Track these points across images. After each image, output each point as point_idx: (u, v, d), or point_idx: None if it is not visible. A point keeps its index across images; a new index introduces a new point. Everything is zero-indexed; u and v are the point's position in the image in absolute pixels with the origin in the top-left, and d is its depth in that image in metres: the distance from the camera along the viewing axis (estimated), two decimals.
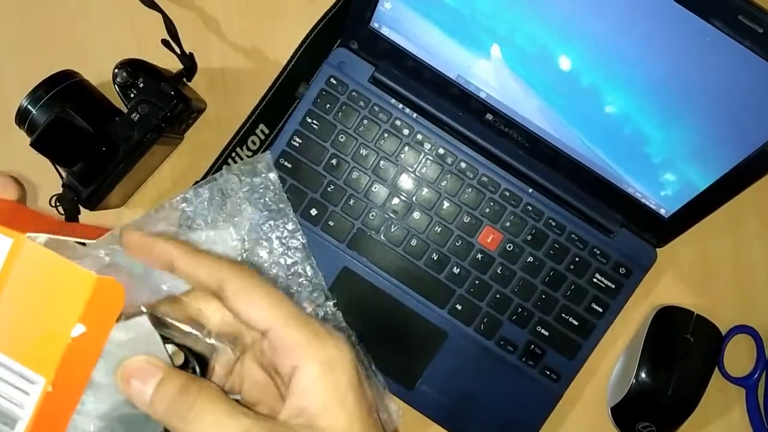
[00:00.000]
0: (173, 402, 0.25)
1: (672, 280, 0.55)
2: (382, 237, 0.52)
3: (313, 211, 0.51)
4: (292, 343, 0.26)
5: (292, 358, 0.26)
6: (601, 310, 0.52)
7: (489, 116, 0.50)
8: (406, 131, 0.52)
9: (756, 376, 0.53)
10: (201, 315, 0.29)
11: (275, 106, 0.53)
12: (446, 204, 0.52)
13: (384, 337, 0.52)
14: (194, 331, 0.28)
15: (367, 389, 0.27)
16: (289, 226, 0.34)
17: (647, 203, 0.50)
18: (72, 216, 0.49)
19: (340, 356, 0.26)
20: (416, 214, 0.52)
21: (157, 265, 0.29)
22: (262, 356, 0.29)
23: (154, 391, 0.25)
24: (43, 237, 0.23)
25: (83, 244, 0.27)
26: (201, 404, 0.25)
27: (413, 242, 0.52)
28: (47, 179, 0.49)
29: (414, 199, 0.52)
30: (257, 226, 0.33)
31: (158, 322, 0.28)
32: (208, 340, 0.29)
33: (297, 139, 0.52)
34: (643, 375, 0.51)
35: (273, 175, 0.34)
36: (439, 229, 0.52)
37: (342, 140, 0.52)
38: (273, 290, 0.27)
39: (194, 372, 0.28)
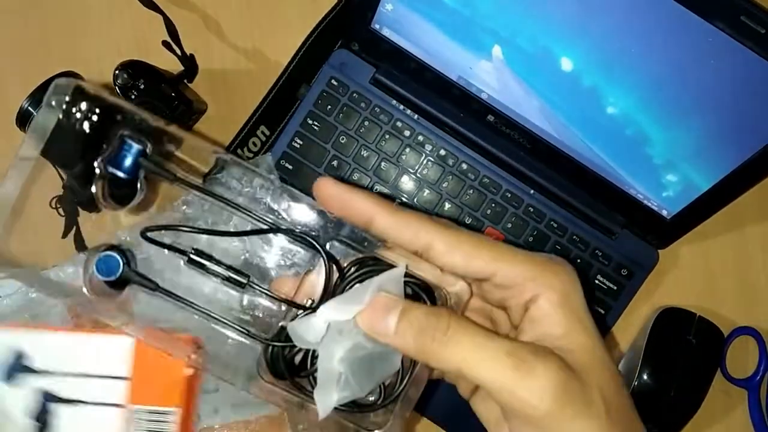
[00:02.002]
0: (425, 327, 0.25)
1: (674, 281, 0.55)
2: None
3: None
4: (523, 278, 0.27)
5: (526, 291, 0.27)
6: (602, 312, 0.52)
7: (490, 117, 0.50)
8: (407, 132, 0.52)
9: (758, 377, 0.53)
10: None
11: (276, 107, 0.53)
12: (447, 205, 0.52)
13: None
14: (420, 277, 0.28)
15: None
16: None
17: (649, 204, 0.50)
18: (71, 217, 0.49)
19: (571, 282, 0.27)
20: None
21: (354, 221, 0.28)
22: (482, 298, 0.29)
23: (399, 319, 0.25)
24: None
25: None
26: (456, 324, 0.25)
27: None
28: (48, 180, 0.48)
29: (415, 200, 0.52)
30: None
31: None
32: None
33: (298, 141, 0.51)
34: (645, 376, 0.51)
35: (274, 177, 0.34)
36: None
37: (343, 141, 0.52)
38: (479, 237, 0.27)
39: None
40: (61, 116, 0.27)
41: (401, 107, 0.52)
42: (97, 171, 0.28)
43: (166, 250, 0.28)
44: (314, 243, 0.28)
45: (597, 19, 0.40)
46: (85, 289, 0.28)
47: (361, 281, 0.27)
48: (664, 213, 0.50)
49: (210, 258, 0.28)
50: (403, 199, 0.52)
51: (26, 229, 0.56)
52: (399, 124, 0.52)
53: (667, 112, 0.44)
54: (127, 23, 0.54)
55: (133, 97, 0.48)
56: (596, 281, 0.52)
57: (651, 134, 0.45)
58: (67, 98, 0.27)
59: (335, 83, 0.51)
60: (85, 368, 0.37)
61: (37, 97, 0.46)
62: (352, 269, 0.28)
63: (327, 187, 0.27)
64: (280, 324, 0.28)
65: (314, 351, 0.28)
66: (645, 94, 0.43)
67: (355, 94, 0.52)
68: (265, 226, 0.28)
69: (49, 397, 0.37)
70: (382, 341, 0.26)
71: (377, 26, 0.49)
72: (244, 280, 0.28)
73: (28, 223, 0.54)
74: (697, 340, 0.52)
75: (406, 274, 0.27)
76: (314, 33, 0.53)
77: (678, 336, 0.52)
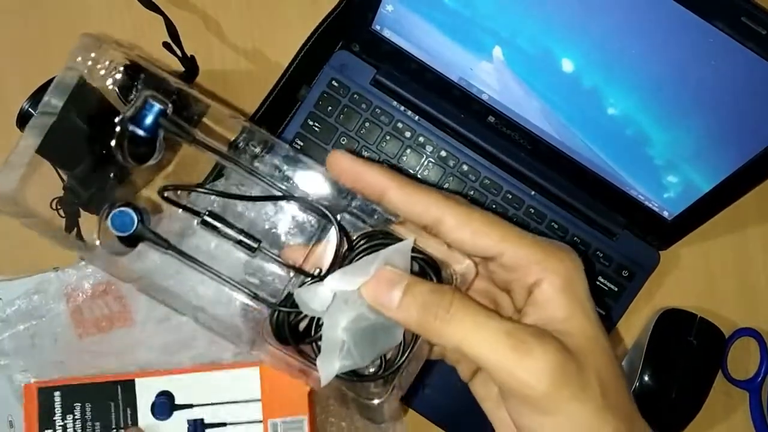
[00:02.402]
0: (428, 302, 0.26)
1: (675, 282, 0.55)
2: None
3: None
4: (528, 261, 0.27)
5: (531, 274, 0.27)
6: (603, 313, 0.52)
7: (491, 118, 0.50)
8: (408, 134, 0.52)
9: (759, 379, 0.53)
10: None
11: (277, 108, 0.53)
12: None
13: None
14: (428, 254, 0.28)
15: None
16: None
17: (650, 206, 0.50)
18: (72, 219, 0.48)
19: (576, 268, 0.27)
20: None
21: (366, 194, 0.28)
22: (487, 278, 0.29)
23: (404, 294, 0.26)
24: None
25: None
26: (458, 302, 0.26)
27: None
28: (48, 181, 0.48)
29: None
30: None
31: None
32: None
33: (298, 142, 0.51)
34: (646, 378, 0.51)
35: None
36: None
37: (344, 143, 0.52)
38: (490, 216, 0.27)
39: None
40: (85, 72, 0.28)
41: (402, 108, 0.52)
42: (118, 129, 0.29)
43: (180, 210, 0.29)
44: (326, 212, 0.29)
45: (598, 19, 0.40)
46: (97, 242, 0.29)
47: (369, 254, 0.28)
48: (665, 214, 0.50)
49: (223, 221, 0.29)
50: None
51: (27, 230, 0.55)
52: (400, 125, 0.52)
53: (667, 113, 0.44)
54: (127, 24, 0.54)
55: (132, 98, 0.48)
56: (597, 282, 0.52)
57: (652, 135, 0.45)
58: (92, 55, 0.28)
59: (336, 84, 0.51)
60: (223, 397, 0.43)
61: (37, 98, 0.46)
62: (362, 241, 0.29)
63: (341, 161, 0.28)
64: (287, 290, 0.29)
65: (319, 319, 0.28)
66: (646, 94, 0.43)
67: (355, 95, 0.52)
68: (279, 193, 0.29)
69: (199, 425, 0.43)
70: (385, 314, 0.26)
71: (378, 27, 0.49)
72: (255, 244, 0.29)
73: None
74: (698, 341, 0.52)
75: (414, 249, 0.27)
76: (315, 34, 0.52)
77: (679, 337, 0.52)
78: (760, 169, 0.43)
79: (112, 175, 0.31)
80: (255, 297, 0.29)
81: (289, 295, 0.29)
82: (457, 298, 0.26)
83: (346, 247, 0.28)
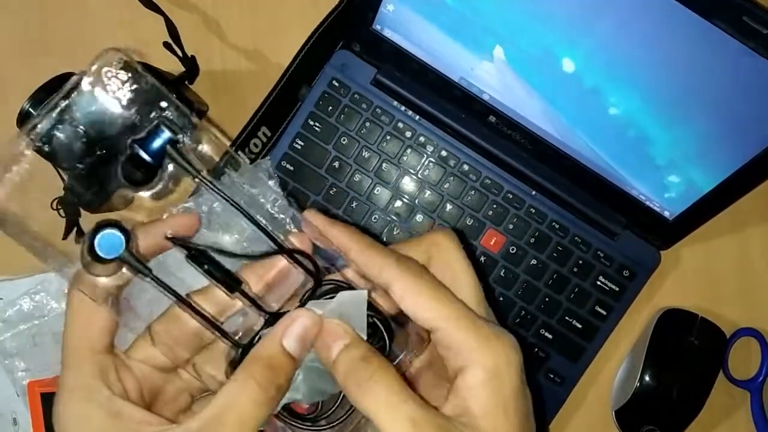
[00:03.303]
0: (354, 367, 0.26)
1: (676, 282, 0.54)
2: (384, 240, 0.52)
3: None
4: (459, 346, 0.27)
5: (459, 359, 0.27)
6: (604, 313, 0.52)
7: (492, 118, 0.50)
8: (408, 133, 0.52)
9: (761, 379, 0.53)
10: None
11: (277, 108, 0.53)
12: (449, 206, 0.52)
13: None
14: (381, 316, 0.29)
15: (527, 391, 0.27)
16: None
17: (651, 205, 0.50)
18: (73, 219, 0.48)
19: (507, 363, 0.26)
20: (419, 217, 0.52)
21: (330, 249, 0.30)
22: (428, 352, 0.30)
23: (340, 352, 0.27)
24: None
25: None
26: (378, 377, 0.26)
27: None
28: (48, 182, 0.48)
29: (417, 201, 0.52)
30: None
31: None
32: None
33: (299, 142, 0.51)
34: (647, 378, 0.51)
35: (273, 182, 0.34)
36: None
37: (344, 143, 0.52)
38: (441, 290, 0.28)
39: (380, 350, 0.28)
40: (103, 85, 0.28)
41: (402, 108, 0.52)
42: (126, 149, 0.28)
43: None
44: (312, 267, 0.29)
45: (599, 19, 0.40)
46: (80, 263, 0.28)
47: (330, 298, 0.28)
48: (666, 214, 0.50)
49: (211, 262, 0.28)
50: (405, 201, 0.52)
51: (27, 230, 0.55)
52: (400, 125, 0.52)
53: (668, 113, 0.43)
54: (127, 24, 0.54)
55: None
56: (598, 282, 0.52)
57: (653, 135, 0.45)
58: (113, 69, 0.28)
59: (336, 84, 0.51)
60: None
61: (38, 98, 0.46)
62: (328, 286, 0.29)
63: (312, 220, 0.30)
64: (258, 332, 0.29)
65: None
66: (647, 94, 0.43)
67: (356, 95, 0.51)
68: (271, 239, 0.29)
69: None
70: (324, 365, 0.27)
71: (378, 27, 0.49)
72: (234, 286, 0.29)
73: (29, 224, 0.54)
74: (700, 341, 0.52)
75: (370, 305, 0.28)
76: (315, 34, 0.52)
77: (680, 337, 0.52)
78: (761, 168, 0.43)
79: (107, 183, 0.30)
80: (222, 333, 0.29)
81: (255, 337, 0.29)
82: (380, 371, 0.26)
83: (311, 285, 0.29)
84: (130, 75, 0.28)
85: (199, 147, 0.29)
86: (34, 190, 0.32)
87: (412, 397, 0.25)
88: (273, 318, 0.29)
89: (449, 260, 0.29)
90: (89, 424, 0.27)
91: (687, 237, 0.51)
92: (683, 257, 0.55)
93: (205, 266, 0.28)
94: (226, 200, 0.29)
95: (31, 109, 0.46)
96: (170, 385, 0.30)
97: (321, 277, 0.29)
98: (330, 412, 0.29)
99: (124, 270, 0.28)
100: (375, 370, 0.26)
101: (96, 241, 0.27)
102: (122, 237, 0.27)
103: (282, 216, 0.31)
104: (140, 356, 0.30)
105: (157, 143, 0.28)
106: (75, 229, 0.49)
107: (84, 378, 0.27)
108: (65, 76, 0.48)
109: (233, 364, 0.29)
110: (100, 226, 0.27)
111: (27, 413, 0.47)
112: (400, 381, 0.26)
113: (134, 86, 0.28)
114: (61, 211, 0.48)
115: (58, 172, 0.48)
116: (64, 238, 0.49)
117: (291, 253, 0.29)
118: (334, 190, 0.51)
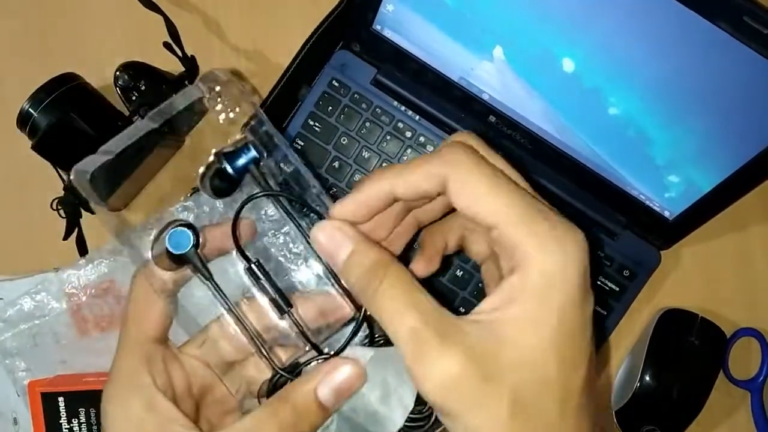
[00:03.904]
0: (362, 277, 0.25)
1: (676, 282, 0.54)
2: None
3: None
4: (513, 244, 0.24)
5: (511, 259, 0.24)
6: (605, 313, 0.52)
7: (492, 118, 0.50)
8: (408, 133, 0.52)
9: (761, 379, 0.53)
10: None
11: (277, 108, 0.53)
12: None
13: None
14: None
15: (587, 302, 0.25)
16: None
17: (651, 205, 0.50)
18: (73, 219, 0.48)
19: (561, 270, 0.23)
20: None
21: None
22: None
23: (347, 259, 0.26)
24: None
25: None
26: (390, 281, 0.25)
27: (415, 245, 0.51)
28: (48, 182, 0.48)
29: None
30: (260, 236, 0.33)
31: None
32: None
33: (299, 142, 0.51)
34: (647, 378, 0.51)
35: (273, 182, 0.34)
36: None
37: (344, 143, 0.52)
38: (500, 181, 0.25)
39: (428, 419, 0.29)
40: (204, 100, 0.29)
41: (402, 108, 0.52)
42: (211, 158, 0.30)
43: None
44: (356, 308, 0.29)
45: (599, 19, 0.40)
46: (149, 253, 0.29)
47: (378, 346, 0.28)
48: (666, 214, 0.50)
49: (267, 275, 0.29)
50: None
51: (28, 230, 0.56)
52: (400, 125, 0.52)
53: (669, 113, 0.43)
54: (127, 24, 0.54)
55: (134, 98, 0.48)
56: (598, 282, 0.52)
57: (653, 135, 0.45)
58: (217, 88, 0.29)
59: (336, 84, 0.51)
60: None
61: (38, 98, 0.46)
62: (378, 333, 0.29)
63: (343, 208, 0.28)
64: (301, 361, 0.29)
65: None
66: (647, 94, 0.43)
67: (356, 95, 0.51)
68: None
69: None
70: (334, 268, 0.27)
71: (378, 27, 0.49)
72: (286, 308, 0.29)
73: (29, 225, 0.54)
74: (700, 341, 0.52)
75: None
76: (315, 34, 0.52)
77: (680, 337, 0.52)
78: (761, 168, 0.43)
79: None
80: (264, 354, 0.29)
81: (297, 365, 0.29)
82: (390, 273, 0.25)
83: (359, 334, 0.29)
84: (229, 98, 0.30)
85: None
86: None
87: (415, 304, 0.24)
88: (316, 350, 0.29)
89: (468, 183, 0.25)
90: (128, 412, 0.27)
91: (687, 237, 0.51)
92: (683, 257, 0.54)
93: (261, 281, 0.29)
94: (293, 222, 0.30)
95: (31, 109, 0.46)
96: (221, 385, 0.30)
97: (365, 318, 0.29)
98: None
99: (187, 270, 0.29)
100: (384, 272, 0.25)
101: (167, 236, 0.28)
102: (192, 236, 0.29)
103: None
104: (193, 353, 0.30)
105: (241, 160, 0.30)
106: (76, 230, 0.49)
107: (131, 362, 0.28)
108: (65, 76, 0.48)
109: (268, 388, 0.29)
110: (172, 223, 0.29)
111: (27, 413, 0.47)
112: (407, 286, 0.25)
113: (232, 107, 0.30)
114: (61, 212, 0.48)
115: (58, 173, 0.49)
116: (65, 238, 0.49)
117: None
118: (335, 190, 0.51)
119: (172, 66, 0.50)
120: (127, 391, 0.27)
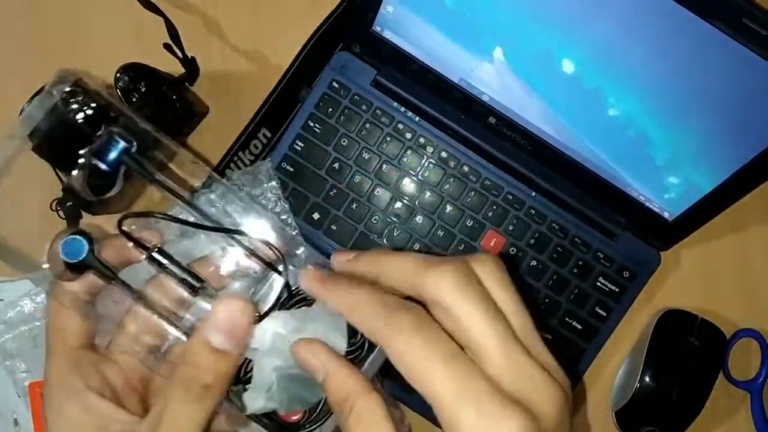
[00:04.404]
0: (336, 401, 0.26)
1: (676, 283, 0.54)
2: (384, 241, 0.52)
3: (316, 215, 0.51)
4: (449, 427, 0.23)
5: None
6: (604, 314, 0.52)
7: (492, 119, 0.50)
8: (408, 135, 0.52)
9: (761, 379, 0.53)
10: None
11: (277, 109, 0.53)
12: (449, 208, 0.52)
13: None
14: None
15: None
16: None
17: (651, 206, 0.50)
18: (73, 220, 0.48)
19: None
20: (419, 218, 0.52)
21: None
22: None
23: (324, 380, 0.26)
24: None
25: None
26: (351, 421, 0.25)
27: (416, 246, 0.52)
28: (48, 183, 0.48)
29: (416, 202, 0.52)
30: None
31: None
32: None
33: (299, 143, 0.51)
34: (647, 379, 0.51)
35: (274, 184, 0.34)
36: (441, 233, 0.52)
37: (344, 144, 0.52)
38: (435, 351, 0.24)
39: (362, 347, 0.29)
40: (58, 104, 0.29)
41: (402, 109, 0.52)
42: (82, 160, 0.30)
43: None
44: (278, 254, 0.30)
45: (598, 20, 0.40)
46: (45, 265, 0.29)
47: (308, 304, 0.29)
48: (666, 215, 0.50)
49: (170, 258, 0.29)
50: (405, 202, 0.52)
51: (29, 231, 0.56)
52: (400, 126, 0.52)
53: (668, 114, 0.43)
54: (128, 25, 0.54)
55: (134, 99, 0.48)
56: (598, 283, 0.52)
57: (653, 136, 0.45)
58: (66, 88, 0.29)
59: (336, 85, 0.51)
60: None
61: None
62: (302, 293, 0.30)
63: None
64: None
65: (247, 362, 0.29)
66: (646, 95, 0.43)
67: (356, 97, 0.52)
68: (233, 229, 0.30)
69: None
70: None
71: (378, 28, 0.49)
72: (197, 284, 0.29)
73: (29, 226, 0.54)
74: (699, 342, 0.52)
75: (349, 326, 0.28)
76: (315, 35, 0.53)
77: (680, 338, 0.52)
78: (761, 169, 0.43)
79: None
80: (185, 333, 0.29)
81: None
82: (357, 406, 0.25)
83: (286, 294, 0.29)
84: (83, 95, 0.30)
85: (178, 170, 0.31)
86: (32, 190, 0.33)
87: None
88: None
89: (450, 308, 0.24)
90: (65, 417, 0.28)
91: (687, 238, 0.51)
92: (683, 258, 0.55)
93: (165, 266, 0.29)
94: (175, 196, 0.30)
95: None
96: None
97: (285, 269, 0.29)
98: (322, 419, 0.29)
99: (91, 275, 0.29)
100: (353, 402, 0.25)
101: (60, 247, 0.28)
102: (85, 242, 0.28)
103: (284, 217, 0.32)
104: (120, 349, 0.30)
105: (112, 153, 0.30)
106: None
107: (60, 370, 0.29)
108: (65, 77, 0.48)
109: None
110: (63, 233, 0.29)
111: (28, 414, 0.47)
112: (384, 416, 0.25)
113: (86, 104, 0.30)
114: (61, 213, 0.48)
115: (57, 173, 0.49)
116: None
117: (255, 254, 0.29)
118: (334, 191, 0.51)
119: (173, 67, 0.50)
120: (62, 397, 0.28)
